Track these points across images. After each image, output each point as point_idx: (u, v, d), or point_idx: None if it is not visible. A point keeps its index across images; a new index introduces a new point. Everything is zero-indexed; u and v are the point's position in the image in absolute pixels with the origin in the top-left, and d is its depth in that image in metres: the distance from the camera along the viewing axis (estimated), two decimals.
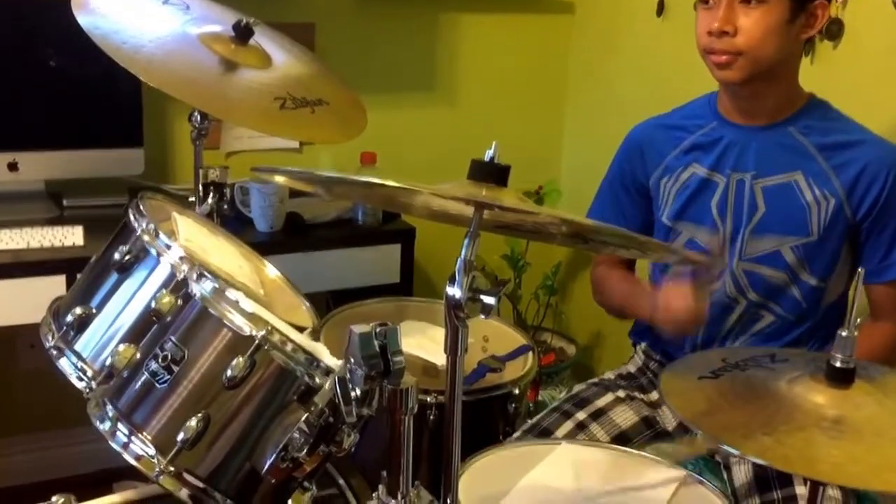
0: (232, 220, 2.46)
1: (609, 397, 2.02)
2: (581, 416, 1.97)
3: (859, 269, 1.30)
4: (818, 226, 1.86)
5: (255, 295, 1.61)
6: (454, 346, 1.24)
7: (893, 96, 2.22)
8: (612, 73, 3.24)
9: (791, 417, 1.25)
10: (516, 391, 1.96)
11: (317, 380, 1.39)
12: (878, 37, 2.24)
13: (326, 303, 2.74)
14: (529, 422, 1.97)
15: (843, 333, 1.27)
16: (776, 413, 1.27)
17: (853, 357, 1.28)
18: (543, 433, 1.92)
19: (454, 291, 1.20)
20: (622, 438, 1.95)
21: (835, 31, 2.28)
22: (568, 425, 1.94)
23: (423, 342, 2.02)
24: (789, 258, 1.89)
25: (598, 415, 1.98)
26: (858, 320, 1.27)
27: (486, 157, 1.24)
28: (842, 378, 1.28)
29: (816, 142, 1.87)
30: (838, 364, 1.28)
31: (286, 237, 2.66)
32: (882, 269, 1.87)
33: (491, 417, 1.95)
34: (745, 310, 1.96)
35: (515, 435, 1.93)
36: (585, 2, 3.34)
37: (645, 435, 1.98)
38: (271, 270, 1.86)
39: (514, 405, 1.96)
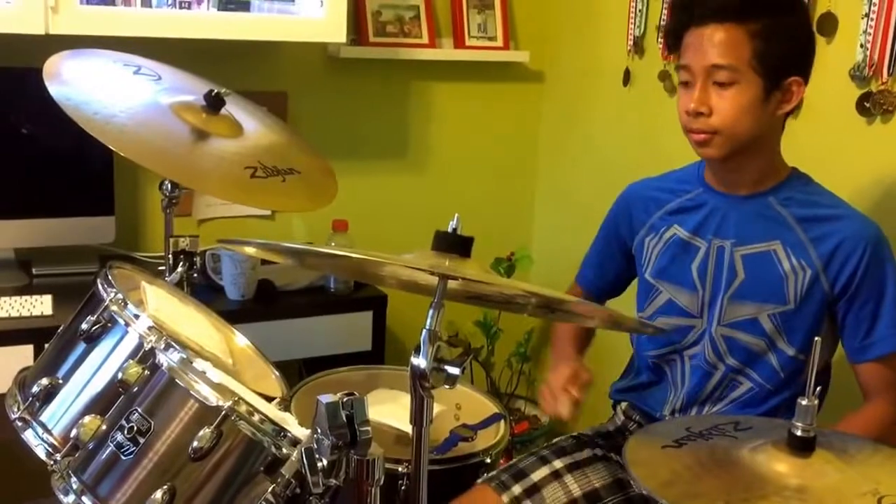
0: (203, 288, 2.46)
1: (587, 453, 2.03)
2: (558, 464, 1.97)
3: (816, 339, 1.31)
4: (795, 295, 1.88)
5: (224, 365, 1.61)
6: (420, 417, 1.25)
7: (851, 165, 2.26)
8: (582, 139, 3.28)
9: (753, 486, 1.25)
10: (488, 460, 1.95)
11: (284, 450, 1.38)
12: (835, 107, 2.29)
13: (299, 370, 2.73)
14: (507, 462, 1.97)
15: (804, 402, 1.28)
16: (738, 482, 1.27)
17: (813, 425, 1.29)
18: (519, 474, 1.93)
19: (419, 362, 1.21)
20: (594, 496, 1.95)
21: None
22: (544, 471, 1.95)
23: (396, 410, 2.01)
24: (767, 326, 1.90)
25: (573, 467, 1.98)
26: (818, 389, 1.28)
27: (450, 229, 1.25)
28: (803, 447, 1.29)
29: (796, 213, 1.89)
30: (799, 433, 1.29)
31: (258, 305, 2.66)
32: (865, 347, 1.87)
33: (463, 486, 1.94)
34: (723, 375, 1.96)
35: (492, 473, 1.94)
36: (554, 71, 3.40)
37: (617, 496, 1.98)
38: (241, 340, 1.86)
39: (486, 474, 1.95)
